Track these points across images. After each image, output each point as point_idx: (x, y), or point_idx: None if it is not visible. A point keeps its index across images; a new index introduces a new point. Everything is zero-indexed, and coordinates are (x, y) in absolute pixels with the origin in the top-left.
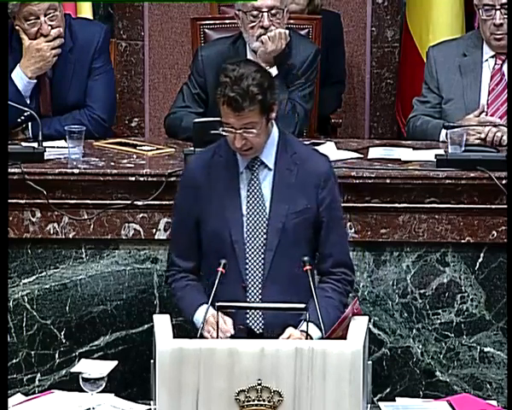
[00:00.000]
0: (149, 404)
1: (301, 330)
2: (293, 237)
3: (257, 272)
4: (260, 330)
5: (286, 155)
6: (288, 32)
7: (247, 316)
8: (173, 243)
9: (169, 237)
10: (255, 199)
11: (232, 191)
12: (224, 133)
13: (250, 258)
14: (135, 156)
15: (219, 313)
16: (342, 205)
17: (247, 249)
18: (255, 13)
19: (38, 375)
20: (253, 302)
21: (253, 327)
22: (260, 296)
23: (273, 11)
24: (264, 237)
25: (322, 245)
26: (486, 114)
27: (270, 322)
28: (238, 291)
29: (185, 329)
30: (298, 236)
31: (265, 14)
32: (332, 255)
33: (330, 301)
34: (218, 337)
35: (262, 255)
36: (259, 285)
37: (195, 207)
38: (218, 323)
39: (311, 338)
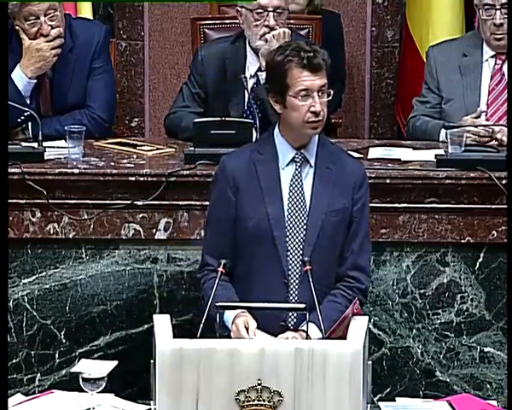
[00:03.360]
0: (149, 404)
1: (301, 330)
2: (330, 235)
3: (296, 266)
4: (293, 325)
5: (325, 154)
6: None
7: (289, 314)
8: (208, 244)
9: (202, 238)
10: (297, 195)
11: (274, 187)
12: (300, 103)
13: (290, 254)
14: (135, 156)
15: (247, 315)
16: None
17: (288, 245)
18: (260, 11)
19: (38, 375)
20: (293, 297)
21: (287, 323)
22: (298, 291)
23: (278, 11)
24: (304, 232)
25: (347, 244)
26: (486, 114)
27: (301, 317)
28: (280, 287)
29: (185, 329)
30: (335, 233)
31: (271, 13)
32: (353, 255)
33: (336, 305)
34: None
35: (301, 251)
36: (297, 280)
37: (234, 206)
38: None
39: (310, 338)
